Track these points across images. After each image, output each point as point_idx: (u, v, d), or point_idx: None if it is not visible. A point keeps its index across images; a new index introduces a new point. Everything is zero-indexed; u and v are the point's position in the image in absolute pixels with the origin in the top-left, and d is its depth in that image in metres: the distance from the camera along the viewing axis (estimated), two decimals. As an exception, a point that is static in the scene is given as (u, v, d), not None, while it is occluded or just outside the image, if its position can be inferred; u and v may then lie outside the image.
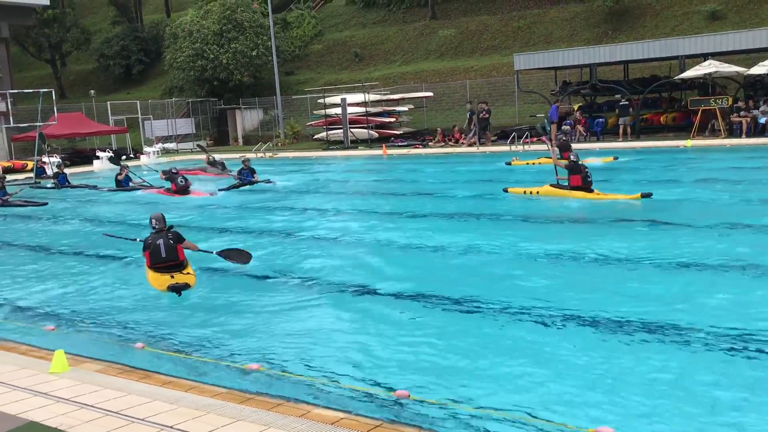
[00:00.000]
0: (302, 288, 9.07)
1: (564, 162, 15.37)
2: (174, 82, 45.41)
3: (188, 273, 9.34)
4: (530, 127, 28.78)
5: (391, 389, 5.62)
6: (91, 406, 5.11)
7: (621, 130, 27.16)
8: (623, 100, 27.46)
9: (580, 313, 7.27)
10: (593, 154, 22.98)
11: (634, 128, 27.52)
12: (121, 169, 22.61)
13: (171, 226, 9.63)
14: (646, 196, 13.76)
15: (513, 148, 26.78)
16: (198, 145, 36.70)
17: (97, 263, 11.45)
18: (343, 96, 34.56)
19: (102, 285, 9.96)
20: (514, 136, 27.42)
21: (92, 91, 45.03)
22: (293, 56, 46.71)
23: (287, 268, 10.17)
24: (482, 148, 28.56)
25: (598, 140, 27.47)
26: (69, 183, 24.81)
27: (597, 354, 6.21)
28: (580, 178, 14.19)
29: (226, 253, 9.99)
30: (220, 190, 20.13)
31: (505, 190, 15.81)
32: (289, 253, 11.32)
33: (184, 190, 19.65)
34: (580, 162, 14.60)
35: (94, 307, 8.87)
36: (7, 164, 32.63)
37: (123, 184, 22.19)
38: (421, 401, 5.37)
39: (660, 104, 30.29)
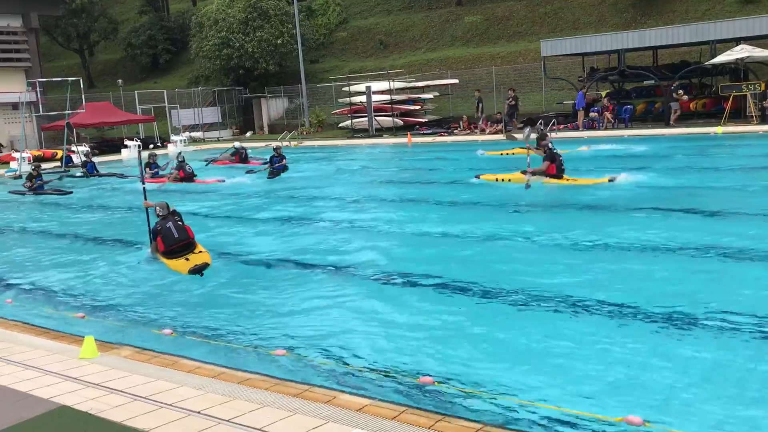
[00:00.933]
0: (327, 275, 9.09)
1: (540, 151, 15.67)
2: (200, 71, 45.65)
3: (201, 252, 9.61)
4: (550, 114, 28.57)
5: (415, 375, 5.62)
6: (120, 391, 5.18)
7: (672, 115, 26.56)
8: (674, 84, 26.68)
9: (608, 300, 7.20)
10: (613, 141, 22.73)
11: (663, 114, 27.10)
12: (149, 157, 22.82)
13: (175, 210, 10.07)
14: (612, 180, 14.37)
15: (539, 135, 26.52)
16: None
17: (123, 250, 11.58)
18: (367, 84, 34.48)
19: (129, 272, 10.07)
20: (541, 122, 27.16)
21: (120, 81, 45.44)
22: (318, 44, 46.69)
23: (313, 255, 10.20)
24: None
25: (626, 127, 27.11)
26: (97, 171, 25.11)
27: (635, 343, 6.15)
28: (555, 167, 14.82)
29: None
30: (247, 172, 20.35)
31: (477, 177, 16.32)
32: (314, 240, 11.35)
33: (190, 177, 20.13)
34: (555, 150, 15.19)
35: (121, 293, 8.98)
36: (37, 153, 33.09)
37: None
38: (445, 387, 5.36)
39: (690, 90, 29.78)
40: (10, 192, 21.77)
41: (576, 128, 28.25)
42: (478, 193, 15.07)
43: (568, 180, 14.82)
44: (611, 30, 33.11)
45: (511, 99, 30.50)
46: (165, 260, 9.66)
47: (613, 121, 27.74)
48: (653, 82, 28.32)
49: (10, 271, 10.71)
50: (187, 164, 20.58)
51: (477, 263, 9.27)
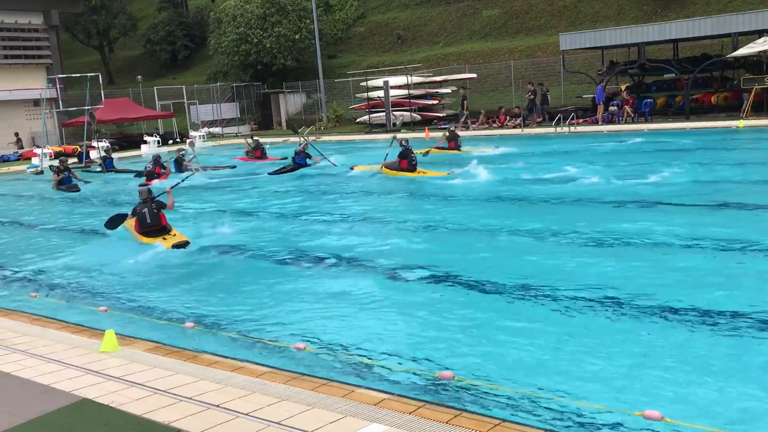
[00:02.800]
0: (346, 269, 9.11)
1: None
2: (219, 67, 45.85)
3: (175, 235, 11.21)
4: (576, 108, 28.41)
5: (434, 370, 5.62)
6: (141, 384, 5.22)
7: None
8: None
9: (633, 299, 7.15)
10: (617, 137, 22.52)
11: (683, 108, 26.81)
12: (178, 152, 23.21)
13: (155, 197, 11.58)
14: (451, 173, 16.89)
15: (558, 129, 26.37)
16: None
17: (145, 246, 11.67)
18: (385, 79, 34.43)
19: (151, 267, 10.16)
20: (560, 117, 27.00)
21: (139, 77, 45.75)
22: (336, 39, 46.69)
23: (331, 249, 10.22)
24: (527, 130, 28.20)
25: (646, 121, 26.86)
26: (115, 167, 25.32)
27: (651, 339, 6.11)
28: (406, 162, 17.53)
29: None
30: (269, 174, 20.33)
31: (352, 168, 19.15)
32: (333, 234, 11.38)
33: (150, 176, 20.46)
34: (411, 148, 17.85)
35: (143, 287, 9.06)
36: (58, 149, 33.44)
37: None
38: (465, 382, 5.35)
39: (711, 83, 29.43)
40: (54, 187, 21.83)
41: (595, 122, 28.04)
42: (494, 188, 15.02)
43: (421, 172, 17.42)
44: (631, 23, 32.76)
45: (530, 93, 30.33)
46: (141, 238, 11.34)
47: (632, 114, 27.50)
48: (674, 75, 28.03)
49: (33, 266, 10.84)
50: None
51: (496, 259, 9.24)
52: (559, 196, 13.34)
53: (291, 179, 19.36)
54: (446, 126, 28.88)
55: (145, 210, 11.36)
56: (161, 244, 10.96)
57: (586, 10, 38.67)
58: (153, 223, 11.36)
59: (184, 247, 10.78)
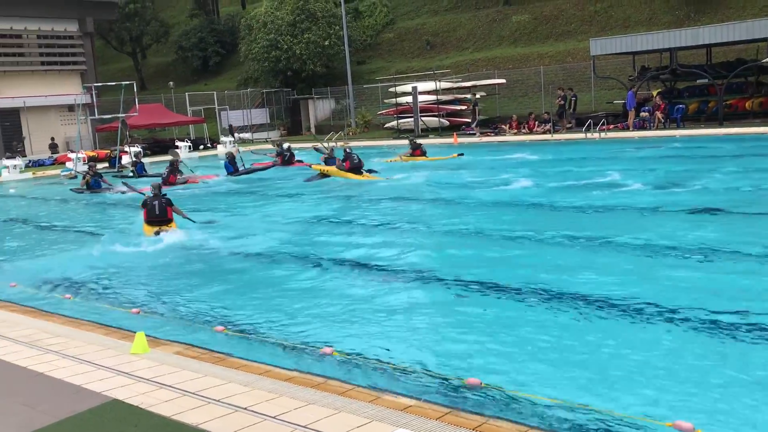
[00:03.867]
0: (373, 274, 9.12)
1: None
2: (249, 73, 46.28)
3: (173, 227, 12.53)
4: (606, 113, 28.18)
5: (462, 376, 5.59)
6: (170, 386, 5.28)
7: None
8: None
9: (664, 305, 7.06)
10: (632, 144, 22.23)
11: (716, 114, 26.41)
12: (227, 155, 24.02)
13: (165, 194, 12.97)
14: (372, 171, 19.60)
15: (588, 135, 26.14)
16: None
17: (177, 250, 11.81)
18: (414, 84, 34.45)
19: (182, 270, 10.28)
20: (590, 123, 26.76)
21: (171, 83, 46.39)
22: (365, 45, 46.86)
23: (360, 255, 10.25)
24: (557, 136, 28.01)
25: (678, 127, 26.50)
26: (146, 172, 25.65)
27: (684, 351, 6.02)
28: (349, 164, 19.46)
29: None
30: (306, 180, 20.35)
31: (309, 165, 21.83)
32: (361, 240, 11.40)
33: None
34: (354, 153, 19.84)
35: (173, 290, 9.16)
36: (91, 153, 34.01)
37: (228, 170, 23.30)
38: (493, 390, 5.32)
39: (745, 89, 28.94)
40: (71, 190, 22.38)
41: (626, 128, 27.75)
42: (517, 194, 14.93)
43: (365, 176, 19.41)
44: (663, 28, 32.40)
45: (560, 98, 30.13)
46: (145, 227, 12.77)
47: (664, 120, 27.15)
48: (706, 80, 27.62)
49: (66, 268, 11.02)
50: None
51: (524, 264, 9.18)
52: (606, 205, 13.22)
53: (319, 185, 19.42)
54: (410, 138, 28.58)
55: (156, 202, 12.69)
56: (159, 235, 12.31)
57: (618, 15, 38.31)
58: (160, 215, 12.66)
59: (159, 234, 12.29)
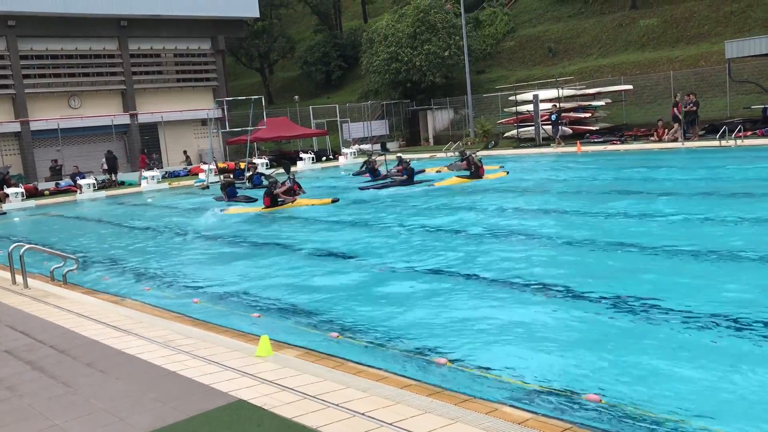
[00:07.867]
0: (489, 285, 9.01)
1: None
2: (370, 86, 47.15)
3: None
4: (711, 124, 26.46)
5: (582, 392, 5.42)
6: (291, 389, 5.44)
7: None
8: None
9: None
10: None
11: None
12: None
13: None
14: (335, 201, 19.03)
15: (723, 143, 24.66)
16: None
17: (293, 257, 12.20)
18: (535, 92, 33.86)
19: (302, 276, 10.60)
20: (725, 130, 25.24)
21: (296, 97, 48.05)
22: (485, 54, 46.58)
23: (476, 265, 10.16)
24: (688, 144, 26.62)
25: (826, 133, 24.53)
26: (263, 184, 26.64)
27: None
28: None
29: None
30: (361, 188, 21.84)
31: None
32: (475, 250, 11.30)
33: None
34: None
35: (293, 296, 9.45)
36: (222, 165, 35.79)
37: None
38: (614, 407, 5.11)
39: None
40: (214, 198, 23.53)
41: (766, 135, 25.95)
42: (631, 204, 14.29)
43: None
44: (808, 26, 30.08)
45: (691, 104, 28.60)
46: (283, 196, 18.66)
47: (810, 126, 25.19)
48: None
49: (197, 273, 11.64)
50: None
51: (653, 281, 8.78)
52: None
53: (439, 193, 19.46)
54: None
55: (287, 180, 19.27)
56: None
57: (757, 14, 35.92)
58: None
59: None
